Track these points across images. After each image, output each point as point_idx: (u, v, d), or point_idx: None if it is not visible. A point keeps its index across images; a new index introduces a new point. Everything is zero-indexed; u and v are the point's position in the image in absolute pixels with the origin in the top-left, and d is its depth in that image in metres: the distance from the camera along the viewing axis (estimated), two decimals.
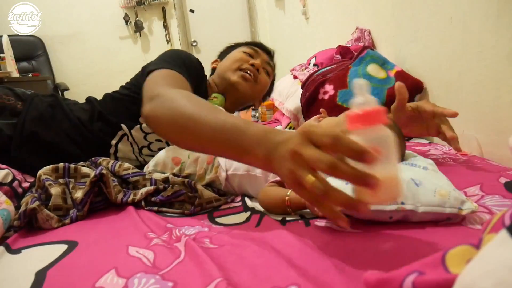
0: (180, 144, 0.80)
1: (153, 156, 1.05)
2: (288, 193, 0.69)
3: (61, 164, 0.86)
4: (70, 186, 0.82)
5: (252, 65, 1.26)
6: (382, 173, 0.46)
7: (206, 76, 1.23)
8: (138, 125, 1.06)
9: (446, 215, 0.59)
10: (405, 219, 0.60)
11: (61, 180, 0.83)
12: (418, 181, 0.62)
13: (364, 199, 0.48)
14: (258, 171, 0.81)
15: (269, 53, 1.41)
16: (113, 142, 1.05)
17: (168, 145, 1.09)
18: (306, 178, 0.48)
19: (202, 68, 1.15)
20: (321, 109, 0.93)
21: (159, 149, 1.07)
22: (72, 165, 0.86)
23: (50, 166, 0.85)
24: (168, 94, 0.79)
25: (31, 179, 0.90)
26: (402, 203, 0.59)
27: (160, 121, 0.77)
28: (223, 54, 1.38)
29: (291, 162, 0.51)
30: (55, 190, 0.79)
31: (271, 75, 1.37)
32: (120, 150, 1.06)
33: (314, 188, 0.48)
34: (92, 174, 0.81)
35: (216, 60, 1.41)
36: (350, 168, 0.46)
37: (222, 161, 0.85)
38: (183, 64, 1.02)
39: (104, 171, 0.81)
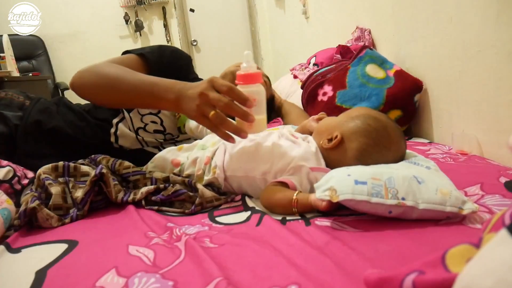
0: (105, 102, 0.96)
1: (150, 137, 1.10)
2: (295, 194, 0.69)
3: (61, 163, 0.86)
4: (70, 185, 0.82)
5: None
6: (255, 113, 0.72)
7: (194, 73, 1.22)
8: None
9: (446, 214, 0.59)
10: (405, 216, 0.60)
11: (60, 179, 0.83)
12: (421, 179, 0.62)
13: (243, 129, 0.73)
14: (256, 174, 0.81)
15: None
16: (115, 121, 1.08)
17: (165, 130, 1.11)
18: (211, 112, 0.72)
19: (186, 62, 1.17)
20: (321, 113, 0.95)
21: (155, 131, 1.10)
22: (71, 164, 0.86)
23: (49, 165, 0.85)
24: (95, 65, 0.97)
25: (31, 175, 0.90)
26: (403, 199, 0.59)
27: (86, 85, 0.94)
28: None
29: (199, 100, 0.74)
30: (55, 190, 0.79)
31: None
32: (120, 128, 1.09)
33: (215, 118, 0.72)
34: (92, 173, 0.81)
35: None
36: (239, 108, 0.71)
37: (219, 162, 0.85)
38: (159, 54, 1.08)
39: (104, 170, 0.81)
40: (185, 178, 0.86)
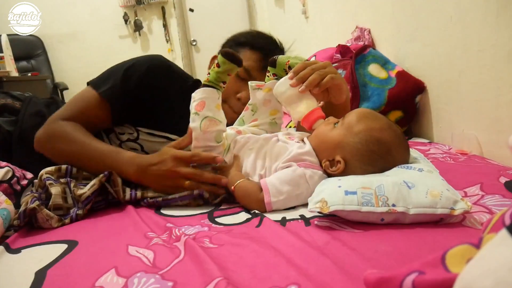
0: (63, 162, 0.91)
1: None
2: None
3: (64, 166, 0.87)
4: (72, 184, 0.82)
5: (239, 98, 1.06)
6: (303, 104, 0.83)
7: (179, 78, 1.08)
8: (113, 133, 1.03)
9: (438, 216, 0.59)
10: (397, 222, 0.60)
11: (62, 180, 0.84)
12: (411, 183, 0.62)
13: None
14: (255, 177, 0.80)
15: (270, 52, 1.08)
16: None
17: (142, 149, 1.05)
18: (186, 183, 0.80)
19: (163, 76, 1.01)
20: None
21: None
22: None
23: (53, 167, 0.85)
24: (60, 130, 0.92)
25: (30, 176, 0.91)
26: (393, 205, 0.59)
27: (50, 149, 0.93)
28: None
29: (170, 179, 0.82)
30: (55, 190, 0.79)
31: None
32: None
33: (192, 186, 0.81)
34: (93, 178, 0.83)
35: (215, 57, 1.10)
36: (210, 175, 0.81)
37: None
38: (123, 85, 0.96)
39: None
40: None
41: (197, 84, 1.07)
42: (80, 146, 0.90)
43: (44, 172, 0.83)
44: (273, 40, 1.16)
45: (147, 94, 0.98)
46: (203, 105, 0.82)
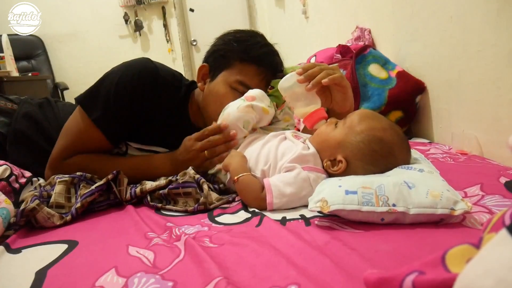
0: None
1: None
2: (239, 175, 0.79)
3: (79, 173, 0.87)
4: (81, 184, 0.84)
5: None
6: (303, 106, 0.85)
7: (165, 77, 1.01)
8: None
9: (438, 216, 0.59)
10: (398, 222, 0.60)
11: (74, 180, 0.85)
12: (411, 183, 0.62)
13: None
14: (257, 172, 0.81)
15: (275, 70, 1.08)
16: None
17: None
18: (203, 154, 0.89)
19: (151, 85, 0.97)
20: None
21: None
22: (88, 175, 0.88)
23: (67, 177, 0.85)
24: (75, 168, 0.90)
25: (29, 174, 0.91)
26: (394, 205, 0.59)
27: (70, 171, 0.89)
28: (213, 67, 1.06)
29: (195, 159, 0.90)
30: (57, 188, 0.80)
31: None
32: None
33: (208, 154, 0.89)
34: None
35: (203, 67, 1.07)
36: (219, 137, 0.89)
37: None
38: (115, 107, 0.93)
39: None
40: (196, 174, 0.85)
41: (189, 89, 1.06)
42: (107, 168, 0.88)
43: (56, 176, 0.85)
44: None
45: (137, 111, 0.96)
46: (252, 99, 0.90)
